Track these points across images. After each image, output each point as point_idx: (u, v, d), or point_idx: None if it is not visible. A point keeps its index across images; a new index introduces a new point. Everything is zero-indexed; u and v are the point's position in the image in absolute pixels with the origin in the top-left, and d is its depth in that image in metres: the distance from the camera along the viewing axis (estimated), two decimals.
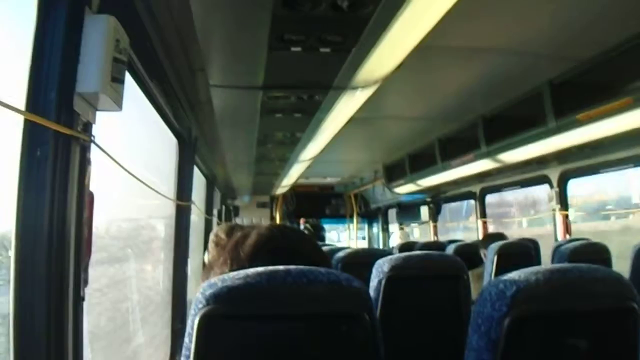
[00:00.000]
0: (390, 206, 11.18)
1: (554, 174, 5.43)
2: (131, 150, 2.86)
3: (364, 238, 12.83)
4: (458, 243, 5.47)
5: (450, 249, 5.05)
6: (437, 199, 8.95)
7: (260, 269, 1.12)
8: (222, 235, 2.79)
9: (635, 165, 4.60)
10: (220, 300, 1.07)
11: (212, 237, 2.88)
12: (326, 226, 12.73)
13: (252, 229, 1.35)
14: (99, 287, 2.55)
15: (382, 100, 4.16)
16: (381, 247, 11.52)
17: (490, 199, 7.36)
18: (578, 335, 1.32)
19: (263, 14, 2.39)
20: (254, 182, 8.97)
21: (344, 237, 13.16)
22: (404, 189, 7.94)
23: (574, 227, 5.52)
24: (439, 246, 5.96)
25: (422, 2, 2.23)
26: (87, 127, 1.76)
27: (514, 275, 1.34)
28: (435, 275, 2.63)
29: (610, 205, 6.58)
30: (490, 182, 6.79)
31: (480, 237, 6.74)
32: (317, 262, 1.21)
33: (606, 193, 6.76)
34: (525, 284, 1.30)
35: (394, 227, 11.32)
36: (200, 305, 1.07)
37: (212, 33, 2.74)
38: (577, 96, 3.62)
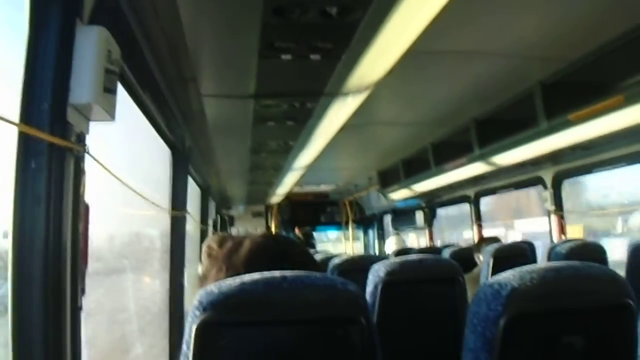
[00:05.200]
0: (385, 212, 11.18)
1: (547, 175, 5.44)
2: (125, 161, 2.86)
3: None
4: (453, 248, 5.47)
5: (445, 254, 5.06)
6: (432, 203, 8.94)
7: (256, 275, 1.12)
8: (214, 246, 2.79)
9: (629, 164, 4.61)
10: (217, 307, 1.07)
11: (204, 248, 2.88)
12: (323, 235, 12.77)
13: (244, 238, 1.37)
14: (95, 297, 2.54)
15: (374, 106, 4.17)
16: (377, 253, 11.47)
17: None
18: (574, 333, 1.33)
19: (252, 22, 2.39)
20: (248, 192, 8.97)
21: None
22: (399, 195, 7.94)
23: None
24: (435, 251, 5.97)
25: (411, 7, 2.24)
26: (81, 137, 1.77)
27: (508, 274, 1.35)
28: (431, 279, 2.63)
29: None
30: (485, 186, 6.80)
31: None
32: (308, 268, 1.22)
33: None
34: (520, 283, 1.31)
35: (389, 234, 11.30)
36: (198, 313, 1.07)
37: (202, 43, 2.74)
38: (568, 96, 3.63)
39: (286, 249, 1.38)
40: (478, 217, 7.28)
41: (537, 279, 1.32)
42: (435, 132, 5.74)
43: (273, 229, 11.81)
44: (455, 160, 5.55)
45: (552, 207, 5.46)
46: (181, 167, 4.25)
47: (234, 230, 11.06)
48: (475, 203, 7.26)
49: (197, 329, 1.06)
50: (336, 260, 3.42)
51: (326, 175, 9.36)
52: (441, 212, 9.25)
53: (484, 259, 3.98)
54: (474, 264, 4.73)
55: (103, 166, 2.02)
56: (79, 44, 1.70)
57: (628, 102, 3.19)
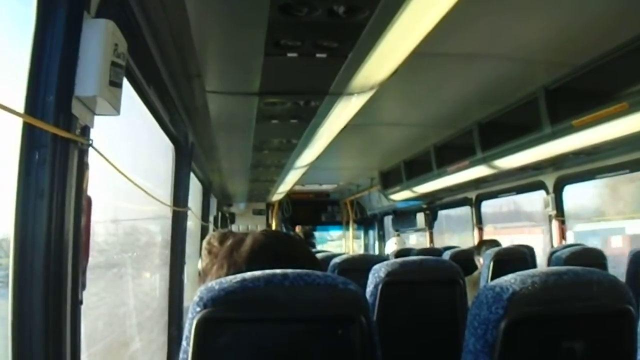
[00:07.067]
0: (386, 213, 11.17)
1: (549, 179, 5.44)
2: (128, 156, 2.86)
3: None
4: (454, 250, 5.47)
5: (446, 255, 5.06)
6: (433, 205, 8.94)
7: (257, 272, 1.12)
8: (215, 243, 2.79)
9: (631, 171, 4.61)
10: (218, 303, 1.07)
11: (205, 244, 2.88)
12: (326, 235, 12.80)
13: (246, 235, 1.37)
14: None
15: (378, 106, 4.17)
16: (377, 253, 11.46)
17: None
18: (574, 337, 1.33)
19: (259, 19, 2.39)
20: (250, 189, 8.96)
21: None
22: (400, 196, 7.94)
23: None
24: (435, 252, 5.96)
25: (418, 9, 2.24)
26: (85, 130, 1.77)
27: (509, 278, 1.35)
28: (432, 280, 2.63)
29: None
30: (486, 189, 6.80)
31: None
32: (310, 266, 1.22)
33: None
34: (521, 286, 1.31)
35: (389, 234, 11.29)
36: (198, 309, 1.07)
37: (208, 39, 2.74)
38: (572, 102, 3.63)
39: (288, 246, 1.37)
40: (479, 220, 7.28)
41: (538, 283, 1.32)
42: (439, 134, 5.74)
43: (274, 227, 11.80)
44: (458, 162, 5.55)
45: (553, 212, 5.46)
46: (184, 163, 4.25)
47: (234, 228, 11.06)
48: (476, 206, 7.26)
49: (197, 325, 1.06)
50: (336, 260, 3.42)
51: (328, 175, 9.36)
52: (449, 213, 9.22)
53: (484, 262, 3.98)
54: (474, 267, 4.74)
55: (107, 160, 2.02)
56: (85, 37, 1.70)
57: (632, 109, 3.19)
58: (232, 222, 11.23)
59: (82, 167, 1.76)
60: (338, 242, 13.54)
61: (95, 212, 1.90)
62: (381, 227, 11.91)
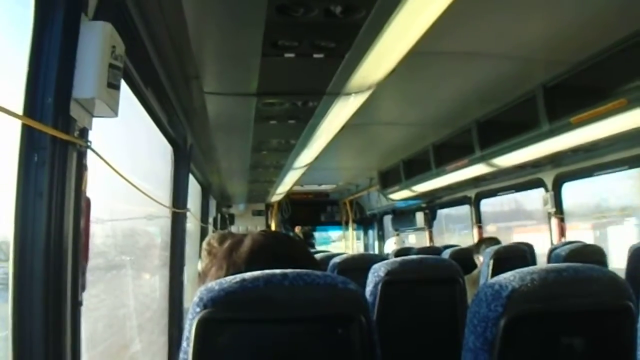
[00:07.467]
0: (385, 212, 11.17)
1: (548, 177, 5.43)
2: (127, 157, 2.86)
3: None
4: (453, 248, 5.47)
5: (445, 254, 5.06)
6: (433, 204, 8.93)
7: (257, 272, 1.12)
8: (215, 244, 2.80)
9: (630, 167, 4.60)
10: (217, 304, 1.07)
11: (204, 245, 2.89)
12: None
13: (245, 236, 1.36)
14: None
15: (376, 106, 4.17)
16: (377, 253, 11.45)
17: None
18: (574, 334, 1.33)
19: (256, 20, 2.39)
20: (249, 190, 8.95)
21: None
22: (399, 195, 7.93)
23: None
24: (435, 251, 5.96)
25: (415, 8, 2.24)
26: (84, 132, 1.77)
27: (509, 275, 1.35)
28: (431, 279, 2.64)
29: None
30: (485, 187, 6.79)
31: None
32: (309, 266, 1.22)
33: None
34: (521, 284, 1.31)
35: (389, 234, 11.29)
36: (198, 309, 1.07)
37: (206, 40, 2.74)
38: (570, 99, 3.63)
39: (287, 247, 1.37)
40: (478, 219, 7.28)
41: (537, 280, 1.32)
42: (437, 133, 5.74)
43: (273, 228, 11.78)
44: (457, 161, 5.55)
45: (552, 209, 5.46)
46: (183, 164, 4.25)
47: (234, 229, 11.05)
48: (475, 204, 7.26)
49: (197, 325, 1.06)
50: (336, 260, 3.43)
51: (327, 175, 9.36)
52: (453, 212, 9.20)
53: (483, 260, 3.98)
54: (474, 265, 4.73)
55: (105, 161, 2.02)
56: (83, 39, 1.70)
57: (630, 105, 3.19)
58: (232, 223, 11.23)
59: (81, 168, 1.76)
60: (339, 243, 13.56)
61: (94, 213, 1.90)
62: (380, 227, 11.91)
